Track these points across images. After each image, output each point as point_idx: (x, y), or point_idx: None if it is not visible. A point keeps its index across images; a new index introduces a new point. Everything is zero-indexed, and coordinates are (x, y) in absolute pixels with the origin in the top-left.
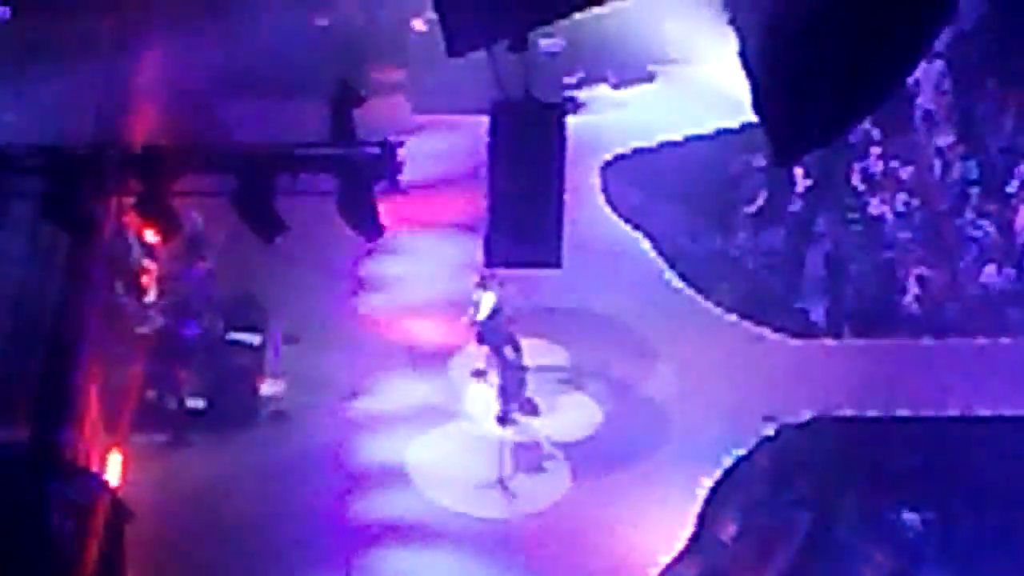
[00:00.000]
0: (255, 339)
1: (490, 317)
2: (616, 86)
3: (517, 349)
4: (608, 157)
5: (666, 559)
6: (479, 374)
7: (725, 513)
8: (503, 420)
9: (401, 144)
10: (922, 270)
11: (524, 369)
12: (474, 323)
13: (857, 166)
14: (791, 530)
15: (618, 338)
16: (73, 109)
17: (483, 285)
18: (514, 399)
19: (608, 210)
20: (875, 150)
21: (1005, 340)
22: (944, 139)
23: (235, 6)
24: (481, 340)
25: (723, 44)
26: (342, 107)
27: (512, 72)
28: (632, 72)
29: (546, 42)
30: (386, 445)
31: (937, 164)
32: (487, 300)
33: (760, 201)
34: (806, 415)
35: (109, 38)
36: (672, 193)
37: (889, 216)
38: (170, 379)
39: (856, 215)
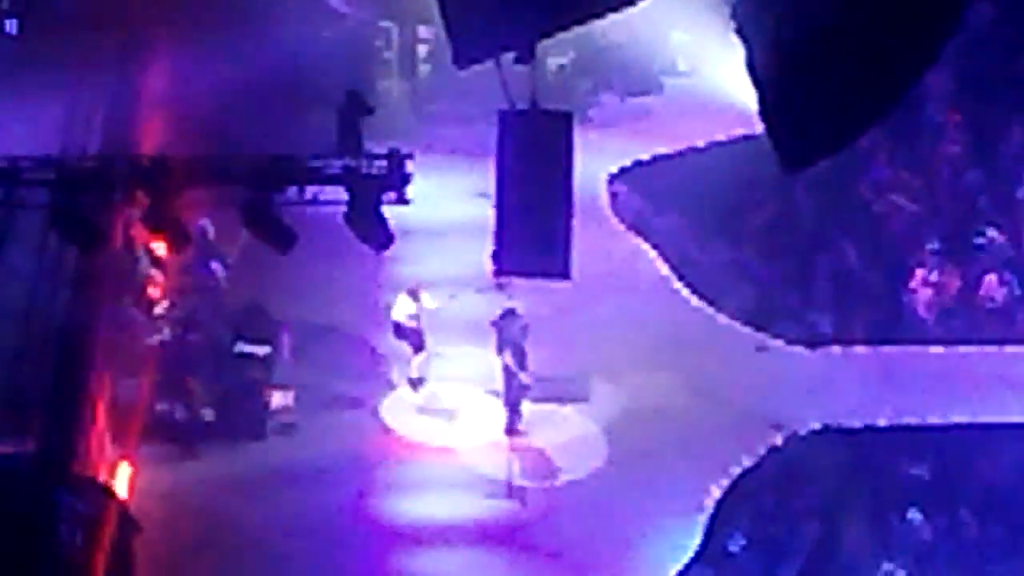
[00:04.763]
0: (264, 350)
1: (500, 324)
2: (623, 96)
3: (523, 357)
4: (616, 167)
5: (674, 569)
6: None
7: (733, 523)
8: (510, 430)
9: (410, 155)
10: (931, 279)
11: (528, 378)
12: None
13: (865, 175)
14: (799, 540)
15: (626, 347)
16: (81, 122)
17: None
18: (518, 408)
19: (616, 220)
20: (883, 159)
21: (1013, 348)
22: (952, 148)
23: (242, 19)
24: (501, 348)
25: (730, 54)
26: (350, 118)
27: (519, 83)
28: (639, 82)
29: (553, 53)
30: (395, 455)
31: (945, 173)
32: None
33: (768, 211)
34: (814, 424)
35: (116, 51)
36: (680, 203)
37: (898, 225)
38: (179, 391)
39: (864, 224)
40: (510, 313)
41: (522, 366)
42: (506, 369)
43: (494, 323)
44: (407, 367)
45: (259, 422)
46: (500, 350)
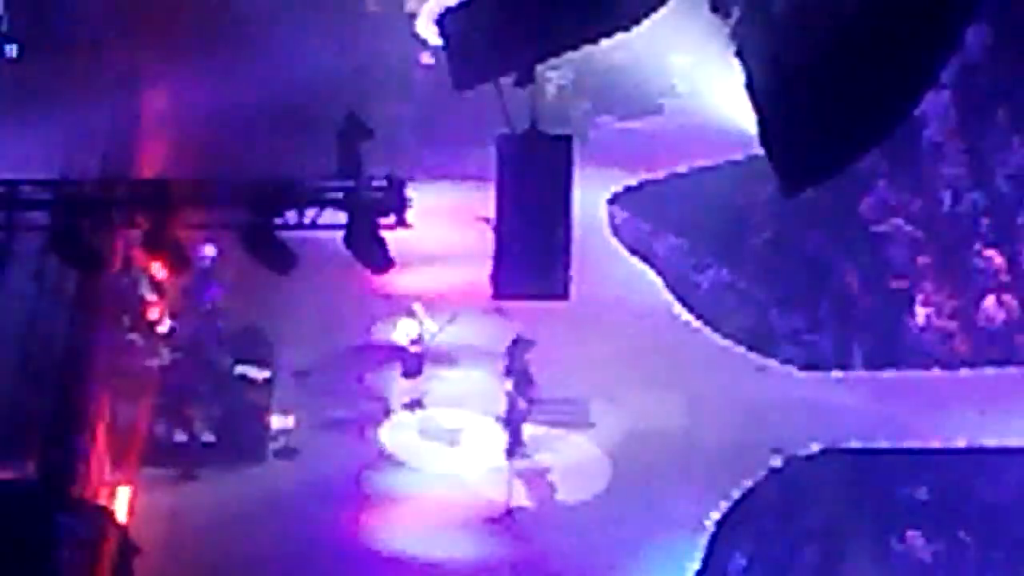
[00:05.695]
0: (264, 373)
1: (512, 351)
2: (623, 118)
3: (529, 382)
4: (615, 189)
5: None
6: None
7: (734, 544)
8: (511, 452)
9: (409, 179)
10: (931, 301)
11: (532, 401)
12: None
13: (865, 197)
14: (800, 561)
15: (626, 370)
16: (81, 145)
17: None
18: (519, 431)
19: (615, 242)
20: (883, 182)
21: (1012, 370)
22: (952, 170)
23: (241, 43)
24: (509, 372)
25: (729, 77)
26: (350, 141)
27: (518, 105)
28: (639, 104)
29: (553, 75)
30: (395, 479)
31: (945, 195)
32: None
33: (767, 233)
34: (814, 447)
35: (116, 74)
36: (679, 225)
37: (897, 247)
38: (179, 414)
39: (864, 246)
40: (522, 340)
41: (526, 390)
42: (509, 393)
43: (508, 350)
44: (406, 390)
45: (259, 445)
46: (507, 375)
